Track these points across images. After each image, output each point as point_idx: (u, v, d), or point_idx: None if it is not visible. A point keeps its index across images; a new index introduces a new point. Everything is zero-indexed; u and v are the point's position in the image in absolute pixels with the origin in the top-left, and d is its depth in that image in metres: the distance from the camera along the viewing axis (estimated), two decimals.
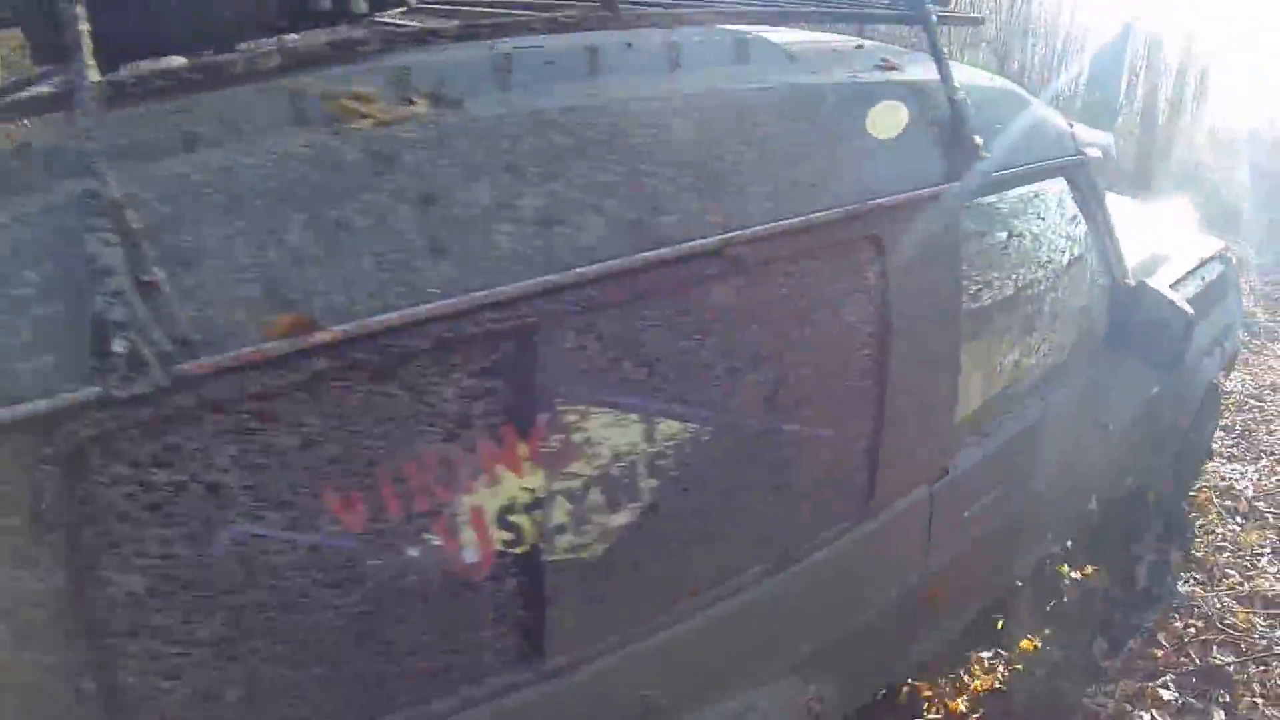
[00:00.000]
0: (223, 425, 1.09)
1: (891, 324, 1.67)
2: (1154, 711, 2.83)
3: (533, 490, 1.32)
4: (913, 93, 1.72)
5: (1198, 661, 3.02)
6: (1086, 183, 2.28)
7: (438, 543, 1.26)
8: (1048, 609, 3.11)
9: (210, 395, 1.06)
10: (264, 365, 1.07)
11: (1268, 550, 3.65)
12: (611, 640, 1.47)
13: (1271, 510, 3.90)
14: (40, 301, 0.98)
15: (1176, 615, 3.26)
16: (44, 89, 1.26)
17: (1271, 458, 4.38)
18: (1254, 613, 3.24)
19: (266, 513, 1.13)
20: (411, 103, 1.23)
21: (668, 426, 1.43)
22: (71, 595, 1.03)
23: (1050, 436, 2.24)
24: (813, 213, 1.50)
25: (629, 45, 1.48)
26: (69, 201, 1.00)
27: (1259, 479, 4.17)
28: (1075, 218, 2.27)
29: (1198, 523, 3.78)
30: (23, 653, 1.02)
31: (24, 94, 1.24)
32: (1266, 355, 5.50)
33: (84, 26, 0.99)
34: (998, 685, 2.83)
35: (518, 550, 1.33)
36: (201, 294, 1.04)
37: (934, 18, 1.77)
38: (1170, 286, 2.65)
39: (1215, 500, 3.94)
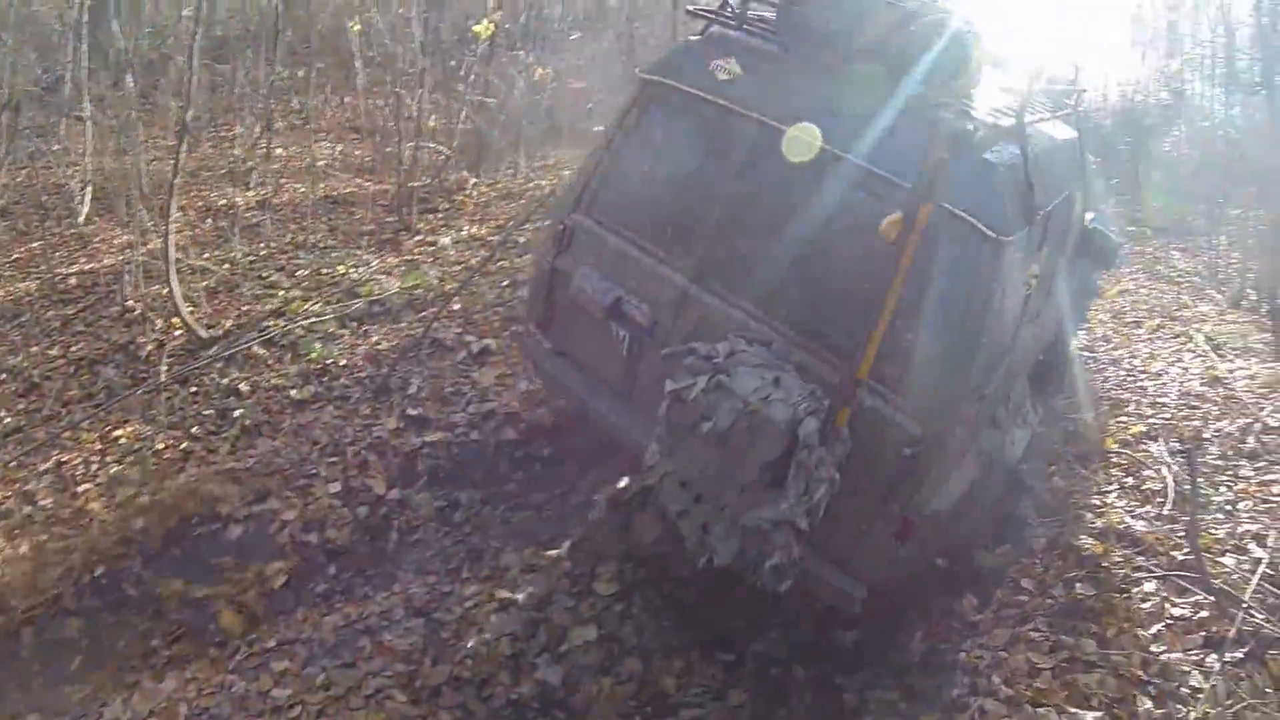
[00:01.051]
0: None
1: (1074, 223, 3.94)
2: (1029, 654, 2.83)
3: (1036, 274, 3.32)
4: (1065, 149, 3.76)
5: (1063, 599, 3.05)
6: (1088, 177, 4.45)
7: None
8: None
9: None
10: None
11: (1114, 487, 3.79)
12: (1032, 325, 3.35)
13: (1113, 450, 4.07)
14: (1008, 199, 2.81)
15: (1036, 560, 3.30)
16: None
17: (1109, 402, 4.59)
18: (1110, 546, 3.32)
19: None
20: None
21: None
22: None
23: (1064, 290, 4.13)
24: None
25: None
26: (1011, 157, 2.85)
27: (1100, 423, 4.36)
28: (1082, 197, 4.25)
29: (1049, 468, 3.90)
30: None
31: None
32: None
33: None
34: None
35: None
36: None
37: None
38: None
39: (1062, 449, 4.08)
